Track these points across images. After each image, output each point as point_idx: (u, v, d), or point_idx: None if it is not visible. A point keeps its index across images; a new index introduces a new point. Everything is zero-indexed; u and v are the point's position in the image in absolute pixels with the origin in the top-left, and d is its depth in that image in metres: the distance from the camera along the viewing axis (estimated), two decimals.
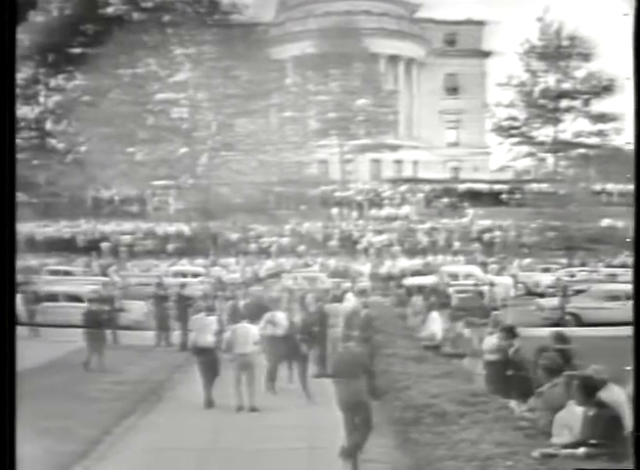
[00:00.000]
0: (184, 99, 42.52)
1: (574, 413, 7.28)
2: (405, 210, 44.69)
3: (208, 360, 13.49)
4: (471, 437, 7.57)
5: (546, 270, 33.12)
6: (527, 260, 35.79)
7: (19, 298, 22.92)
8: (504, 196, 44.51)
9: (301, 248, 39.38)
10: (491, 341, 11.17)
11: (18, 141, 34.02)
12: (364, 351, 10.70)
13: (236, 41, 42.58)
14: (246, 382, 13.05)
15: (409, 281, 29.67)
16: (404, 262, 35.24)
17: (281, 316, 14.94)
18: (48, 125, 44.58)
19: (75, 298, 23.56)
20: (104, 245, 38.69)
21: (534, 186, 43.83)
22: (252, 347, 13.06)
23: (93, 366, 16.57)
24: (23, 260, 35.21)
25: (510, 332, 10.70)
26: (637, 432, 5.98)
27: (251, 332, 13.15)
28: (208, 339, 13.63)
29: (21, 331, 21.08)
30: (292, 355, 14.25)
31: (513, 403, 8.78)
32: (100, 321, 17.81)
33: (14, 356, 5.62)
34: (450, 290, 23.82)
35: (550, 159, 44.68)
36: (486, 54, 58.72)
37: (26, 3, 5.87)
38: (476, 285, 26.50)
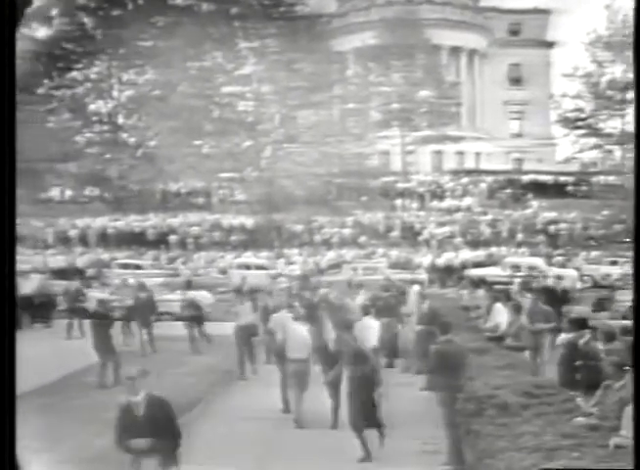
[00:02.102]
0: (249, 92, 43.06)
1: None
2: (467, 201, 44.37)
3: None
4: (534, 429, 7.57)
5: (614, 263, 32.45)
6: (595, 253, 35.17)
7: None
8: (570, 188, 43.80)
9: (363, 239, 39.46)
10: (562, 334, 11.06)
11: (90, 135, 34.90)
12: (460, 346, 10.14)
13: (299, 34, 42.93)
14: (295, 390, 11.44)
15: (472, 272, 29.48)
16: (467, 254, 34.99)
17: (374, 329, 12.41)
18: (120, 120, 45.71)
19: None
20: (172, 237, 39.50)
21: (601, 178, 43.04)
22: (306, 352, 11.46)
23: (107, 381, 14.07)
24: (95, 254, 36.24)
25: (581, 324, 10.59)
26: (637, 432, 5.92)
27: (304, 334, 11.52)
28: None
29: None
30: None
31: (579, 400, 8.74)
32: (108, 327, 14.93)
33: (13, 358, 5.73)
34: (515, 282, 23.61)
35: (617, 151, 43.83)
36: (551, 44, 57.73)
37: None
38: (539, 277, 26.20)
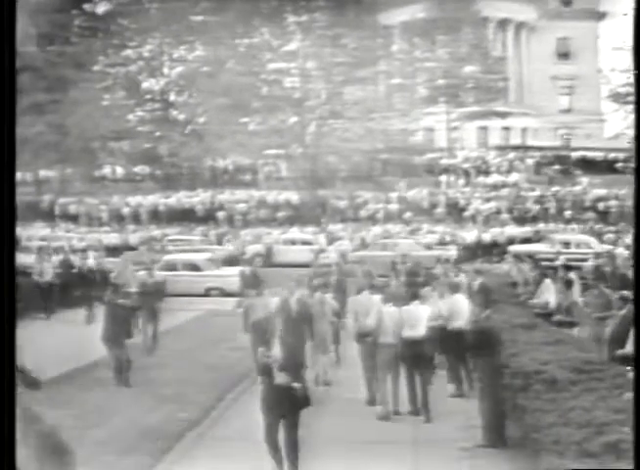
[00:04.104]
0: (295, 68, 43.14)
1: None
2: (514, 177, 43.95)
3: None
4: (584, 404, 7.56)
5: None
6: None
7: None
8: (620, 164, 43.06)
9: (408, 215, 39.39)
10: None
11: (142, 113, 35.40)
12: (497, 323, 10.05)
13: (347, 7, 42.70)
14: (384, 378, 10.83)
15: (519, 248, 29.23)
16: (514, 230, 34.74)
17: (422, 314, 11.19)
18: (171, 97, 46.23)
19: (193, 266, 24.63)
20: (220, 214, 39.99)
21: None
22: (398, 337, 10.73)
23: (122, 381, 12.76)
24: (147, 231, 36.95)
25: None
26: (637, 432, 5.88)
27: (397, 317, 10.78)
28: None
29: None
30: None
31: (631, 375, 8.67)
32: (125, 320, 13.33)
33: (13, 353, 5.76)
34: (561, 258, 23.36)
35: None
36: (602, 15, 56.24)
37: None
38: (588, 254, 25.89)
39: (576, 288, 13.40)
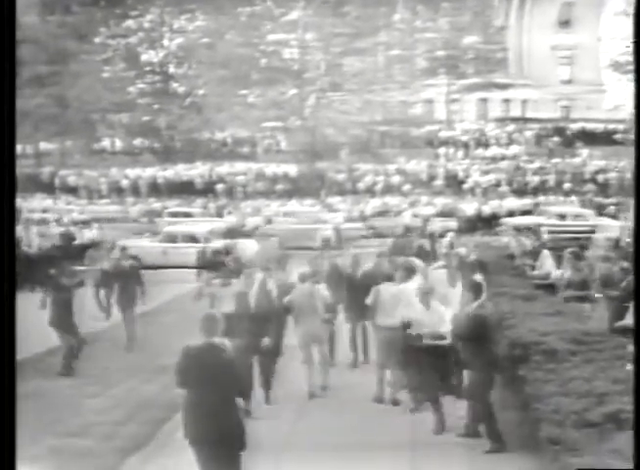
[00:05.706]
0: (294, 39, 42.91)
1: None
2: (513, 149, 43.88)
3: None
4: (584, 374, 7.59)
5: None
6: None
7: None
8: (619, 136, 42.94)
9: (407, 187, 39.36)
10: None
11: (142, 86, 35.29)
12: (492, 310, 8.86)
13: None
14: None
15: (515, 221, 29.22)
16: (513, 202, 34.72)
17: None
18: (171, 69, 46.04)
19: (193, 238, 24.62)
20: (219, 186, 39.93)
21: None
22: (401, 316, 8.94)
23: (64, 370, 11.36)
24: (147, 203, 36.97)
25: None
26: (637, 432, 5.91)
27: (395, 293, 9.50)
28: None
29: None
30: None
31: (631, 346, 8.69)
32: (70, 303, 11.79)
33: (13, 336, 5.63)
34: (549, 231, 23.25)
35: None
36: None
37: None
38: (584, 227, 25.93)
39: (586, 262, 13.15)
